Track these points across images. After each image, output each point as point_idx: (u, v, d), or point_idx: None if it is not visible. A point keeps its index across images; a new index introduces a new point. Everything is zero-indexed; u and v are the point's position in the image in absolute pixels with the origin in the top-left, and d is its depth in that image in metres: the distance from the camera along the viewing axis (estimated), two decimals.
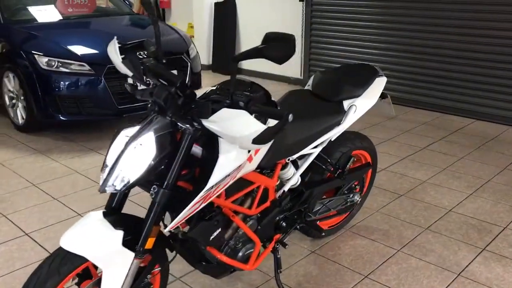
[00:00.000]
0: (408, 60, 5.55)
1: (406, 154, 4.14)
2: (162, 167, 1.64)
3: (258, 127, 1.50)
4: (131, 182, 1.60)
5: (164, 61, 1.87)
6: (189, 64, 4.97)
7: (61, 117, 4.36)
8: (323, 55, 6.35)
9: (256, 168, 2.10)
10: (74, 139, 4.55)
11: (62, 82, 4.27)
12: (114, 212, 1.79)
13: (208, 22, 7.52)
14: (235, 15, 7.22)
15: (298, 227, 2.37)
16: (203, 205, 1.73)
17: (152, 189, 1.70)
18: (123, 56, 1.88)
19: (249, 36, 7.18)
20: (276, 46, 1.50)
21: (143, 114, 4.40)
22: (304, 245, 2.77)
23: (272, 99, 1.99)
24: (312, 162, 2.38)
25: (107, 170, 1.64)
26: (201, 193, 1.65)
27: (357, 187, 2.71)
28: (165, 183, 1.67)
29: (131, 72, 1.80)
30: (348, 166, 2.49)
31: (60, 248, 1.63)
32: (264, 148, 1.93)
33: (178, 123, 1.64)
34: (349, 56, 6.08)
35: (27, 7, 5.07)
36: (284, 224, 2.27)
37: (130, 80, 4.24)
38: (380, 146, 4.34)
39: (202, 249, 1.96)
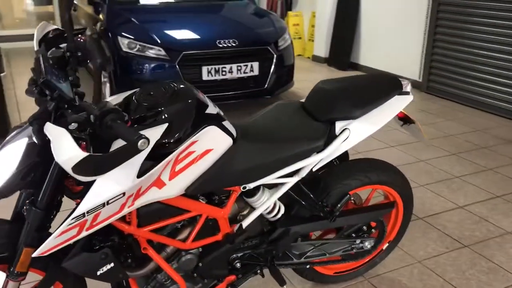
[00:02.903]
0: None
1: (503, 192, 3.25)
2: (29, 179, 1.38)
3: (74, 153, 1.14)
4: None
5: (79, 54, 1.59)
6: (274, 56, 4.61)
7: None
8: (449, 56, 5.40)
9: (202, 194, 1.73)
10: None
11: (138, 66, 4.28)
12: (12, 221, 1.59)
13: (330, 12, 6.99)
14: (358, 7, 6.58)
15: (259, 271, 1.91)
16: (85, 233, 1.42)
17: (25, 206, 1.46)
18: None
19: (370, 30, 6.49)
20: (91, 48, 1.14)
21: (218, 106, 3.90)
22: None
23: (214, 111, 1.59)
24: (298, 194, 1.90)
25: None
26: (68, 221, 1.35)
27: (372, 230, 2.12)
28: (38, 200, 1.41)
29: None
30: (340, 204, 1.92)
31: None
32: (189, 172, 1.54)
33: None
34: (479, 55, 5.07)
35: None
36: (238, 264, 1.84)
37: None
38: (474, 176, 3.49)
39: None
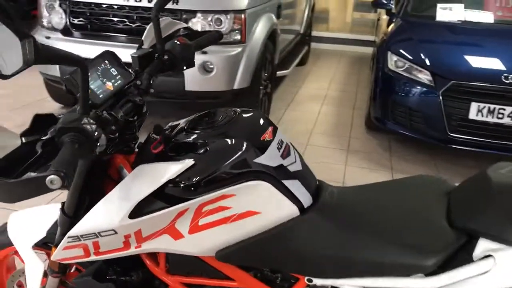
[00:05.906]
0: None
1: None
2: None
3: None
4: None
5: (165, 57, 1.36)
6: None
7: (387, 124, 3.91)
8: None
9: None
10: (396, 152, 4.02)
11: (399, 87, 3.78)
12: None
13: None
14: None
15: None
16: (94, 257, 1.25)
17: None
18: None
19: None
20: None
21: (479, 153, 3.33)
22: None
23: (275, 162, 1.14)
24: None
25: None
26: (65, 238, 1.21)
27: None
28: (65, 205, 1.31)
29: None
30: None
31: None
32: (218, 232, 1.16)
33: None
34: None
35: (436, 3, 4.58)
36: None
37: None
38: None
39: None
